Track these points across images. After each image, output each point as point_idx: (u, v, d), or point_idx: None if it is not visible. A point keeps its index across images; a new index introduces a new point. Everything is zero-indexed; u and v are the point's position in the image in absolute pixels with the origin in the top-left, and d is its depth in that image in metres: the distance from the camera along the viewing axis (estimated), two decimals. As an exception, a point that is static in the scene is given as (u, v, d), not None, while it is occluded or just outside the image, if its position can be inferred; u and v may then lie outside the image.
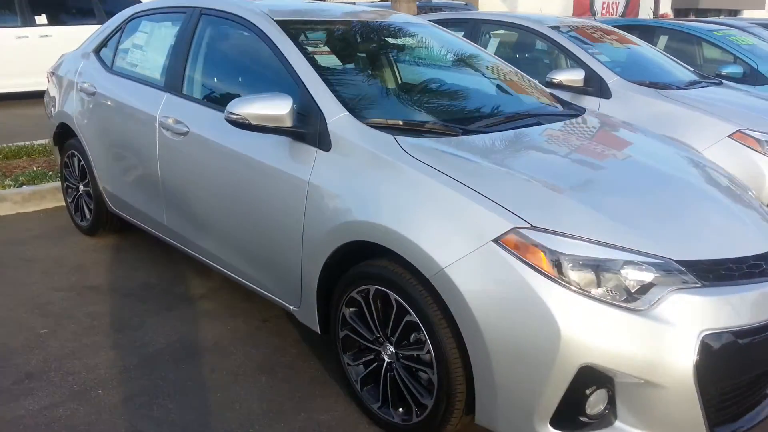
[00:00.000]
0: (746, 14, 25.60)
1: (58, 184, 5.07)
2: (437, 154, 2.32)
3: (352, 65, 3.12)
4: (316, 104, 2.59)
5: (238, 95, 3.02)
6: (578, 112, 3.18)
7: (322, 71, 2.73)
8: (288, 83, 2.76)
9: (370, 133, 2.45)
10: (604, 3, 22.94)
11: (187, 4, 3.46)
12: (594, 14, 21.35)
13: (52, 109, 4.42)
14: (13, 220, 4.73)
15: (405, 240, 2.14)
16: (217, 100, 3.09)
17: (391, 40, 3.32)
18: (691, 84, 4.88)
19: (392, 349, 2.36)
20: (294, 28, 2.99)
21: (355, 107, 2.58)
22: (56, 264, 3.95)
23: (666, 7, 20.87)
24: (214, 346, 3.08)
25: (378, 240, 2.25)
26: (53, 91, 4.47)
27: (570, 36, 4.96)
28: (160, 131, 3.29)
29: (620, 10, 22.82)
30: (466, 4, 16.72)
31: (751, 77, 6.10)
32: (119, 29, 3.95)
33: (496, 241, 1.99)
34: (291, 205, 2.60)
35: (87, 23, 9.78)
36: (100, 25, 9.84)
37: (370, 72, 3.08)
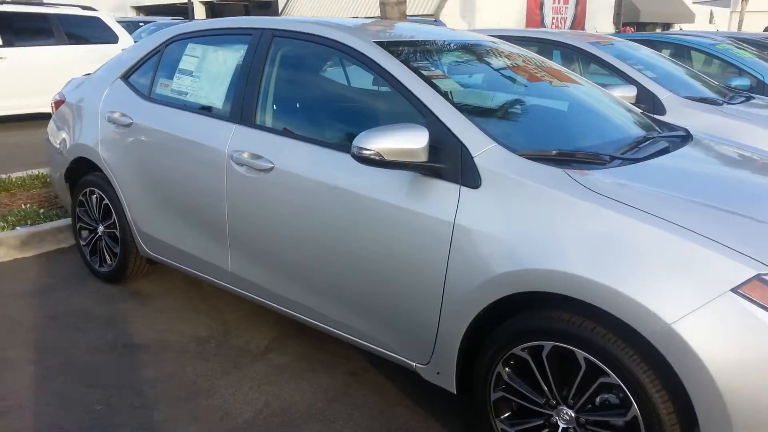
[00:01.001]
0: (676, 27, 27.04)
1: (58, 223, 4.53)
2: (621, 189, 2.07)
3: (472, 90, 2.83)
4: (454, 136, 2.30)
5: (343, 127, 2.70)
6: (683, 132, 3.01)
7: (449, 98, 2.44)
8: (407, 112, 2.46)
9: (533, 166, 2.17)
10: (553, 18, 23.69)
11: (252, 25, 3.11)
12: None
13: (64, 142, 3.92)
14: (12, 268, 4.15)
15: (612, 292, 1.86)
16: (313, 133, 2.74)
17: (499, 62, 3.07)
18: (732, 99, 4.85)
19: (570, 413, 2.06)
20: (397, 50, 2.69)
21: (499, 137, 2.30)
22: (84, 319, 3.45)
23: (607, 21, 21.67)
24: (310, 411, 2.70)
25: (565, 291, 1.96)
26: (63, 122, 3.97)
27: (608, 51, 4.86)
28: (231, 167, 2.90)
29: (568, 24, 23.60)
30: (435, 21, 16.77)
31: (758, 89, 6.17)
32: (156, 53, 3.53)
33: (735, 290, 1.74)
34: (425, 251, 2.28)
35: (45, 44, 9.12)
36: (60, 46, 9.41)
37: (497, 97, 2.80)
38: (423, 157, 2.25)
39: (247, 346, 3.20)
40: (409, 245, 2.32)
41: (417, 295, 2.34)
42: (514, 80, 2.98)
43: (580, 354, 1.98)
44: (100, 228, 3.84)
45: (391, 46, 2.70)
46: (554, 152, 2.31)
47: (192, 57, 3.33)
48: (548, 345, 2.05)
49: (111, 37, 9.86)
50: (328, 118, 2.79)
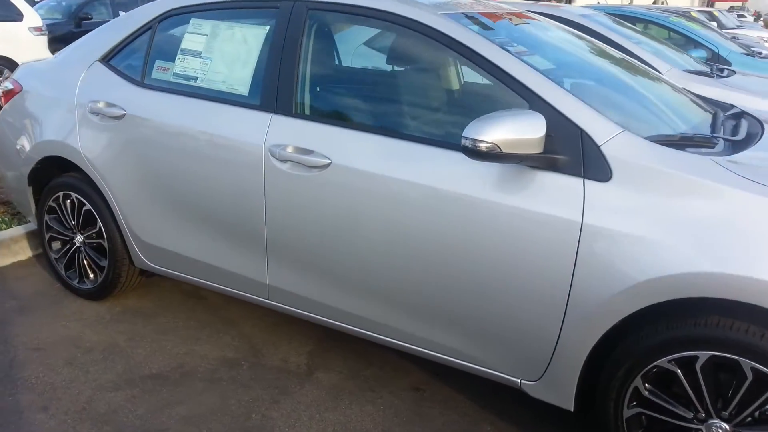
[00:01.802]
0: (578, 2, 27.55)
1: (11, 232, 3.88)
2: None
3: (568, 69, 2.52)
4: (571, 122, 2.02)
5: (427, 116, 2.36)
6: (739, 110, 2.87)
7: (552, 78, 2.15)
8: (502, 96, 2.15)
9: (674, 154, 1.93)
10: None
11: (277, -5, 2.67)
12: None
13: (24, 139, 3.30)
14: (-35, 290, 3.51)
15: None
16: (383, 123, 2.37)
17: (579, 38, 2.78)
18: (720, 72, 4.85)
19: (725, 426, 1.87)
20: (476, 25, 2.36)
21: (624, 123, 2.05)
22: (79, 348, 2.92)
23: None
24: (390, 439, 2.38)
25: (738, 297, 1.75)
26: (21, 115, 3.33)
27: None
28: (271, 164, 2.48)
29: None
30: None
31: (713, 60, 6.29)
32: (145, 30, 2.99)
33: None
34: (546, 256, 2.00)
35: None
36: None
37: (593, 78, 2.51)
38: (539, 148, 1.96)
39: (285, 366, 2.82)
40: (525, 250, 2.04)
41: (533, 306, 2.06)
42: (595, 60, 2.73)
43: (747, 363, 1.78)
44: (79, 238, 3.28)
45: (467, 21, 2.36)
46: (678, 137, 2.08)
47: (198, 35, 2.84)
48: (705, 355, 1.84)
49: (14, 15, 8.77)
50: (401, 106, 2.42)
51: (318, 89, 2.54)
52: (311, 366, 2.82)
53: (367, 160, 2.29)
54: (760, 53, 7.67)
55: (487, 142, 1.89)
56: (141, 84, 2.94)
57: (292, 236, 2.51)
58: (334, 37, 2.63)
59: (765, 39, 13.58)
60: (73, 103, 3.08)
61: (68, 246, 3.34)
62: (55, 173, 3.32)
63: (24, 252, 3.88)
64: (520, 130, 1.91)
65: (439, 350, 2.33)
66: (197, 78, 2.80)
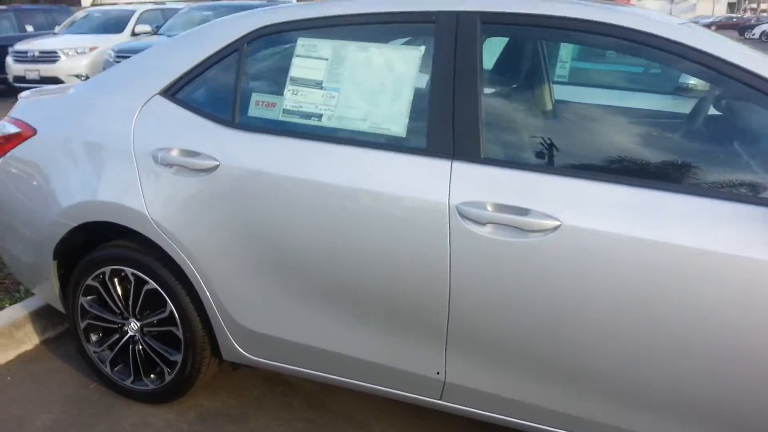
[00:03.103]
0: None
1: (12, 314, 3.00)
2: None
3: None
4: None
5: (687, 158, 1.83)
6: None
7: None
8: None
9: None
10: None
11: (431, 7, 2.05)
12: None
13: (48, 200, 2.48)
14: (-31, 403, 2.62)
15: None
16: (633, 169, 1.82)
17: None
18: None
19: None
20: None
21: None
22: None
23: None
24: None
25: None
26: (37, 169, 2.51)
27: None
28: (462, 228, 1.88)
29: None
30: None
31: None
32: (228, 53, 2.27)
33: None
34: None
35: None
36: None
37: None
38: None
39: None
40: None
41: None
42: None
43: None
44: (133, 325, 2.51)
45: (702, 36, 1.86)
46: None
47: (312, 59, 2.17)
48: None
49: None
50: (651, 143, 1.88)
51: (514, 126, 1.96)
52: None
53: (615, 219, 1.74)
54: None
55: None
56: (233, 124, 2.23)
57: (491, 318, 1.91)
58: (524, 57, 2.05)
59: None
60: (128, 152, 2.32)
61: (116, 336, 2.56)
62: (90, 243, 2.54)
63: (30, 339, 3.02)
64: None
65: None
66: (321, 115, 2.13)
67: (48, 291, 2.68)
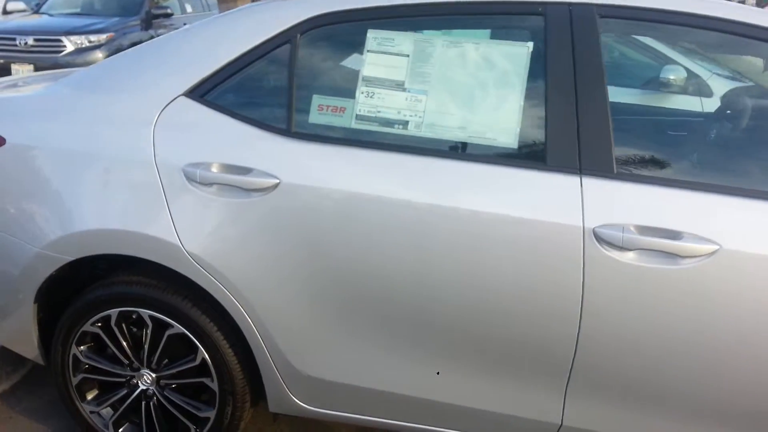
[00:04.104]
0: None
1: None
2: None
3: None
4: None
5: None
6: None
7: None
8: None
9: None
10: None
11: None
12: None
13: (24, 230, 1.94)
14: None
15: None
16: None
17: None
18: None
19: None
20: None
21: None
22: None
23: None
24: None
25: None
26: (9, 190, 1.97)
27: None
28: (600, 254, 1.63)
29: None
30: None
31: None
32: (278, 45, 1.86)
33: None
34: None
35: None
36: None
37: None
38: None
39: None
40: None
41: None
42: None
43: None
44: (147, 377, 2.05)
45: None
46: None
47: (389, 55, 1.82)
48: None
49: None
50: None
51: (653, 135, 1.73)
52: None
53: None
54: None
55: None
56: (290, 133, 1.83)
57: (628, 356, 1.69)
58: (645, 57, 1.83)
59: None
60: (149, 167, 1.84)
61: (122, 391, 2.08)
62: (85, 279, 2.04)
63: (-18, 396, 2.42)
64: None
65: None
66: (407, 122, 1.79)
67: (17, 338, 2.13)
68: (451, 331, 1.78)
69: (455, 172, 1.73)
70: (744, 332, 1.60)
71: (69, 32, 7.05)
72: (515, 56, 1.76)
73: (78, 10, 8.20)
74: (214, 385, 1.99)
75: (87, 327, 2.01)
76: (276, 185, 1.78)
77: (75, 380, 2.09)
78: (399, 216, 1.73)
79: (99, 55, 7.12)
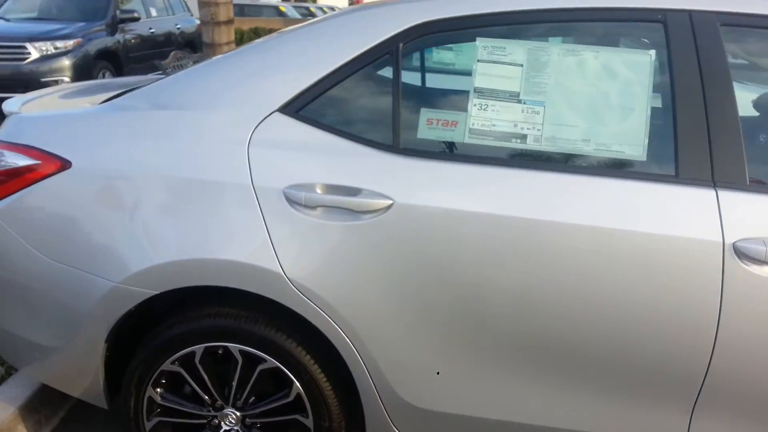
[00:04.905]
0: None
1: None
2: None
3: None
4: None
5: None
6: None
7: None
8: None
9: None
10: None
11: (660, 5, 1.71)
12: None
13: (99, 262, 1.76)
14: None
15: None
16: None
17: None
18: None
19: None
20: None
21: None
22: None
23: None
24: None
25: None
26: (78, 216, 1.78)
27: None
28: (739, 269, 1.57)
29: None
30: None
31: None
32: (380, 56, 1.73)
33: None
34: None
35: None
36: None
37: None
38: None
39: None
40: None
41: None
42: None
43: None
44: (231, 417, 1.88)
45: None
46: None
47: (501, 65, 1.71)
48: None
49: None
50: None
51: None
52: None
53: None
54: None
55: None
56: (398, 150, 1.70)
57: (755, 374, 1.64)
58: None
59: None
60: (245, 190, 1.69)
61: (203, 433, 1.91)
62: (159, 315, 1.86)
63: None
64: None
65: None
66: (525, 136, 1.69)
67: (70, 377, 1.94)
68: (573, 356, 1.69)
69: (584, 187, 1.64)
70: None
71: (33, 38, 6.65)
72: (638, 64, 1.69)
73: (35, 15, 7.77)
74: (309, 422, 1.85)
75: (167, 366, 1.83)
76: (389, 206, 1.65)
77: (149, 425, 1.91)
78: (525, 235, 1.63)
79: (66, 62, 6.76)
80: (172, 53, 6.45)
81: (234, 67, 1.82)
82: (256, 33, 12.36)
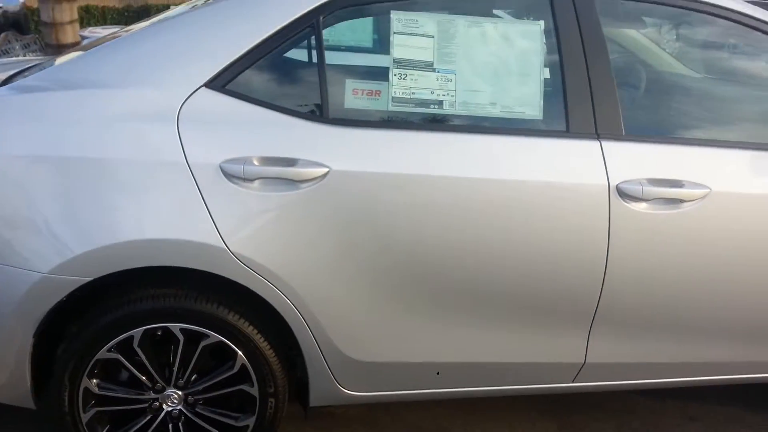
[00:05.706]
0: None
1: None
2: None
3: None
4: None
5: None
6: None
7: None
8: None
9: None
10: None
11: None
12: None
13: (22, 248, 1.67)
14: None
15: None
16: None
17: None
18: None
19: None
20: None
21: None
22: None
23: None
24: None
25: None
26: (14, 203, 1.67)
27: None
28: (622, 207, 1.88)
29: None
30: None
31: None
32: (300, 31, 1.79)
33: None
34: None
35: None
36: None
37: None
38: None
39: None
40: None
41: None
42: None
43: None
44: (174, 396, 1.89)
45: None
46: None
47: (416, 36, 1.86)
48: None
49: None
50: None
51: (653, 99, 2.01)
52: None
53: (761, 183, 1.96)
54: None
55: None
56: (327, 120, 1.80)
57: (644, 293, 1.97)
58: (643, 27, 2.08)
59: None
60: (179, 167, 1.69)
61: (144, 419, 1.89)
62: (94, 301, 1.81)
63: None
64: None
65: None
66: (441, 102, 1.87)
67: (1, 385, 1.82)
68: (493, 297, 1.91)
69: (495, 146, 1.85)
70: (734, 254, 1.97)
71: None
72: (531, 33, 1.92)
73: None
74: (254, 390, 1.90)
75: (102, 354, 1.79)
76: (326, 174, 1.75)
77: (86, 417, 1.85)
78: (449, 192, 1.81)
79: None
80: (2, 35, 5.77)
81: (155, 42, 1.80)
82: (87, 11, 11.39)
